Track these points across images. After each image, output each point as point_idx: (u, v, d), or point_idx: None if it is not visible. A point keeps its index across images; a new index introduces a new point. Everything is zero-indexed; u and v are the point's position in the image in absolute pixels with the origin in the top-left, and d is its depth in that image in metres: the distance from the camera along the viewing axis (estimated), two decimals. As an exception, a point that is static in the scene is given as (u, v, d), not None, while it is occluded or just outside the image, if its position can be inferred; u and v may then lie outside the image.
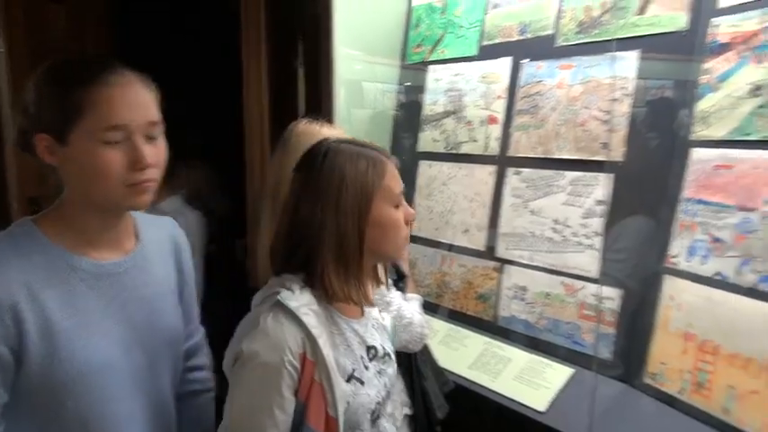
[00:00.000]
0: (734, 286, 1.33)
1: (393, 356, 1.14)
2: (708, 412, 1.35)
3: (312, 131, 1.47)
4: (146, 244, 1.13)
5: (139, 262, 1.10)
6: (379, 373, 1.06)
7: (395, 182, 1.02)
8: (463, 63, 2.08)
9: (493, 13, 2.00)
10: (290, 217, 1.00)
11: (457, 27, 2.11)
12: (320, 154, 0.99)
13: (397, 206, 1.02)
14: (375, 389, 1.03)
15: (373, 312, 1.15)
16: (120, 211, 1.06)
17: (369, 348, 1.06)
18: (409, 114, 2.29)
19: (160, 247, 1.17)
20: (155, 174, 1.01)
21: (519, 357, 1.72)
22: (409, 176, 2.16)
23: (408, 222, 1.05)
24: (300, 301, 0.95)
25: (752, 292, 1.29)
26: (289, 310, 0.93)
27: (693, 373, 1.39)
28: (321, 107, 2.11)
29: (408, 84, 2.33)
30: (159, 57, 2.14)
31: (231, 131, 2.52)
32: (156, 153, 1.00)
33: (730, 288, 1.33)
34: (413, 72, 2.29)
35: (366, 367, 1.03)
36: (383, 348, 1.10)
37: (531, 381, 1.62)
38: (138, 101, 0.98)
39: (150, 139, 1.00)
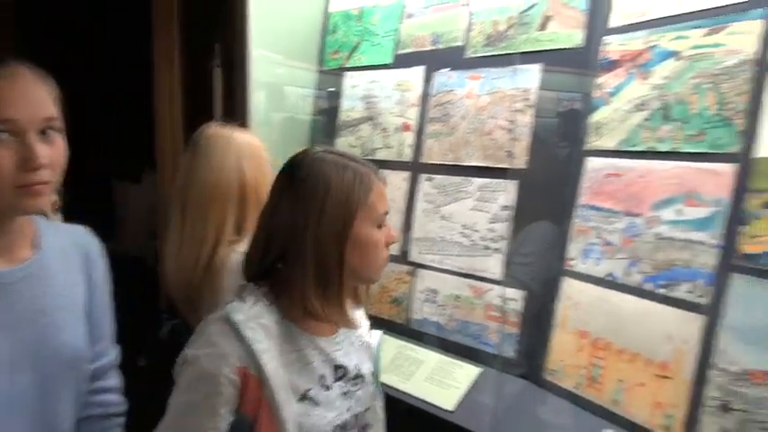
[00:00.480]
0: (623, 286, 1.42)
1: (370, 378, 1.09)
2: (600, 405, 1.44)
3: (222, 135, 1.45)
4: (46, 252, 1.03)
5: (36, 271, 1.00)
6: (345, 394, 1.01)
7: (381, 201, 0.98)
8: (379, 70, 2.11)
9: (407, 23, 2.05)
10: (268, 224, 0.97)
11: (373, 35, 2.15)
12: (305, 161, 0.96)
13: (379, 226, 0.98)
14: (336, 411, 0.98)
15: (359, 330, 1.11)
16: (11, 215, 0.97)
17: (337, 367, 1.01)
18: (326, 120, 2.30)
19: (65, 256, 1.07)
20: (49, 175, 0.93)
21: (430, 359, 1.76)
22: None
23: (388, 245, 1.01)
24: (248, 314, 0.92)
25: (638, 291, 1.39)
26: (233, 322, 0.90)
27: (588, 368, 1.48)
28: (236, 110, 2.09)
29: (325, 89, 2.34)
30: (66, 58, 2.04)
31: (142, 132, 2.43)
32: (52, 153, 0.93)
33: (620, 288, 1.43)
34: (330, 77, 2.30)
35: (328, 387, 0.98)
36: (357, 369, 1.05)
37: (440, 381, 1.66)
38: (30, 95, 0.91)
39: (46, 137, 0.93)
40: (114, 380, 1.20)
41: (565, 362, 1.54)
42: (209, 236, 1.38)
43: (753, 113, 1.22)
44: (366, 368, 1.08)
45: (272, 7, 2.13)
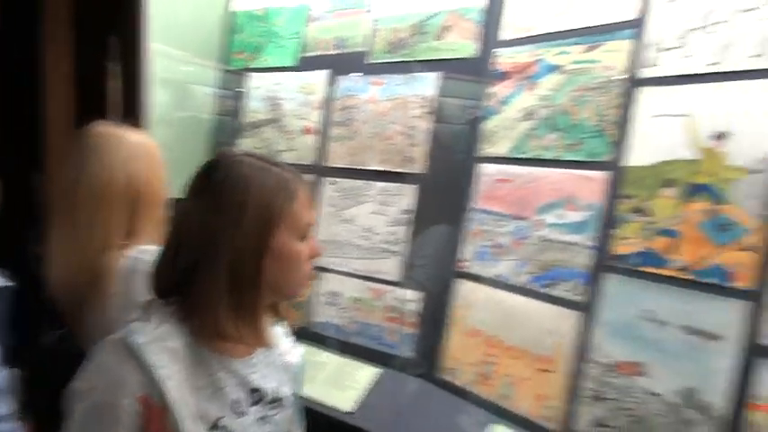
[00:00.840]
0: (512, 286, 1.50)
1: (289, 400, 1.02)
2: (491, 401, 1.50)
3: (113, 134, 1.39)
4: None
5: None
6: (262, 419, 0.94)
7: (305, 210, 0.90)
8: (283, 72, 2.10)
9: (312, 26, 2.05)
10: (178, 232, 0.87)
11: (278, 37, 2.13)
12: (224, 163, 0.87)
13: (303, 238, 0.90)
14: None
15: (279, 349, 1.02)
16: None
17: (253, 391, 0.93)
18: (230, 120, 2.25)
19: None
20: None
21: (332, 362, 1.77)
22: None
23: (312, 259, 0.93)
24: (152, 336, 0.83)
25: (524, 291, 1.47)
26: (133, 346, 0.81)
27: (481, 366, 1.54)
28: (133, 107, 2.00)
29: (229, 89, 2.29)
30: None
31: (29, 131, 2.27)
32: None
33: (509, 288, 1.50)
34: (234, 77, 2.26)
35: (242, 413, 0.90)
36: (275, 392, 0.97)
37: (340, 383, 1.67)
38: None
39: None
40: (4, 406, 1.10)
41: (460, 360, 1.60)
42: (97, 240, 1.31)
43: (623, 125, 1.32)
44: (285, 390, 1.01)
45: (172, 1, 2.07)
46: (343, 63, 1.95)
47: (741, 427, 1.11)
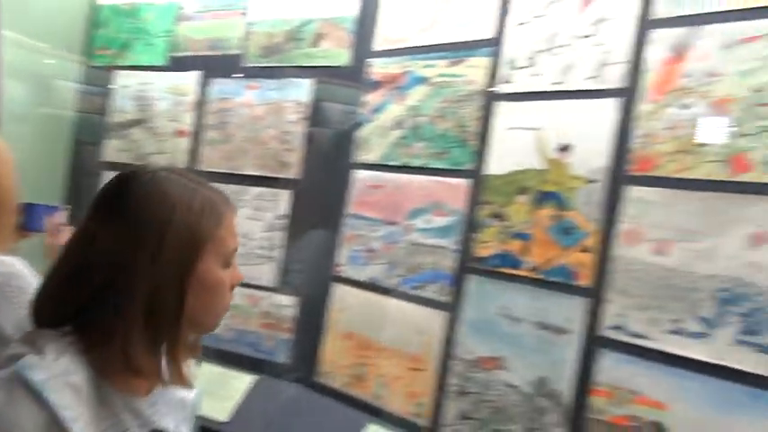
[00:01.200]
0: (383, 289, 1.55)
1: None
2: (366, 401, 1.55)
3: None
4: None
5: None
6: None
7: (231, 235, 0.82)
8: (152, 72, 2.01)
9: (183, 26, 1.98)
10: (82, 255, 0.77)
11: (146, 34, 2.04)
12: (142, 180, 0.78)
13: (227, 266, 0.82)
14: None
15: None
16: None
17: None
18: (93, 120, 2.11)
19: None
20: None
21: (208, 372, 1.72)
22: (89, 188, 1.99)
23: (233, 287, 0.85)
24: (52, 371, 0.71)
25: (395, 293, 1.53)
26: (30, 384, 0.69)
27: (355, 367, 1.58)
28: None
29: (94, 86, 2.15)
30: None
31: None
32: None
33: (381, 291, 1.56)
34: (99, 74, 2.13)
35: None
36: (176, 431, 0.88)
37: (216, 393, 1.64)
38: None
39: None
40: None
41: (335, 363, 1.63)
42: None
43: (483, 136, 1.42)
44: (183, 430, 0.91)
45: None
46: (216, 65, 1.91)
47: (585, 410, 1.23)
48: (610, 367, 1.20)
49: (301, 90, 1.74)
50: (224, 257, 0.80)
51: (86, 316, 0.76)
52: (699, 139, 1.13)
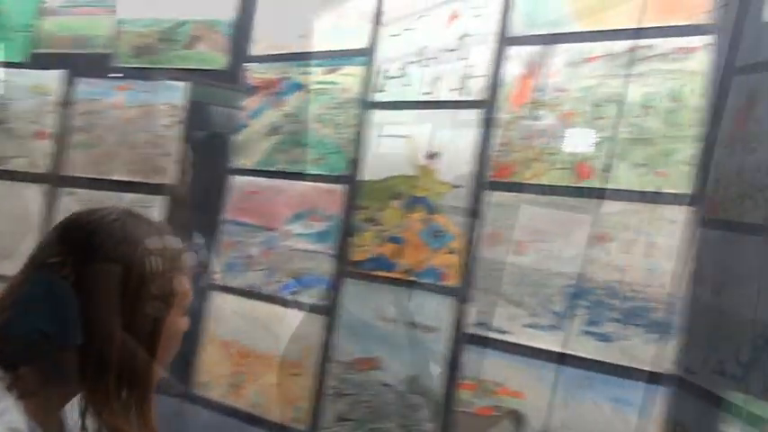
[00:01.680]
0: (262, 295, 1.54)
1: None
2: (245, 410, 1.52)
3: None
4: None
5: None
6: None
7: (189, 283, 0.78)
8: (11, 69, 1.86)
9: (47, 21, 1.85)
10: (20, 301, 0.70)
11: (3, 28, 1.88)
12: (103, 225, 0.72)
13: (185, 314, 0.79)
14: None
15: None
16: None
17: None
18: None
19: None
20: None
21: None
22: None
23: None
24: None
25: (275, 299, 1.52)
26: None
27: (234, 377, 1.55)
28: None
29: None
30: None
31: None
32: None
33: (259, 297, 1.55)
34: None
35: None
36: None
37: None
38: None
39: None
40: None
41: (214, 373, 1.59)
42: None
43: (358, 143, 1.46)
44: None
45: None
46: (84, 64, 1.80)
47: (453, 404, 1.29)
48: (475, 362, 1.27)
49: (176, 93, 1.69)
50: (184, 308, 0.77)
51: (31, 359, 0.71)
52: (549, 148, 1.24)
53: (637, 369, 1.10)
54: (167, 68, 1.71)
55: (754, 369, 0.91)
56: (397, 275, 1.37)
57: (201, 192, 1.68)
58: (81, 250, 0.72)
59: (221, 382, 1.57)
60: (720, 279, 1.03)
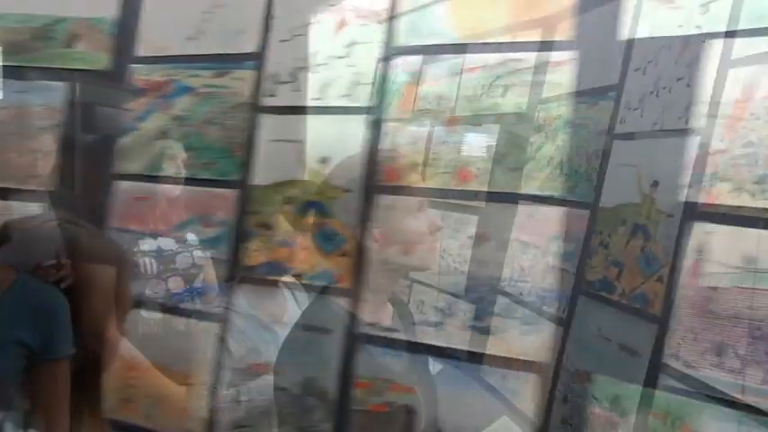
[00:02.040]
0: (153, 304, 1.50)
1: None
2: (136, 425, 1.47)
3: None
4: None
5: None
6: None
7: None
8: None
9: None
10: None
11: None
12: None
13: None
14: None
15: None
16: None
17: None
18: None
19: None
20: None
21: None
22: None
23: None
24: None
25: (167, 308, 1.49)
26: None
27: (123, 390, 1.49)
28: None
29: None
30: None
31: None
32: None
33: (150, 306, 1.50)
34: None
35: None
36: None
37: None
38: None
39: None
40: None
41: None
42: None
43: (249, 148, 1.45)
44: None
45: None
46: (-55, 61, 1.65)
47: (349, 403, 1.32)
48: (368, 361, 1.31)
49: (53, 94, 1.59)
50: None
51: None
52: (433, 153, 1.30)
53: (516, 359, 1.19)
54: (44, 68, 1.61)
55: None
56: (288, 279, 1.38)
57: (85, 198, 1.60)
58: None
59: (109, 397, 1.50)
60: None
